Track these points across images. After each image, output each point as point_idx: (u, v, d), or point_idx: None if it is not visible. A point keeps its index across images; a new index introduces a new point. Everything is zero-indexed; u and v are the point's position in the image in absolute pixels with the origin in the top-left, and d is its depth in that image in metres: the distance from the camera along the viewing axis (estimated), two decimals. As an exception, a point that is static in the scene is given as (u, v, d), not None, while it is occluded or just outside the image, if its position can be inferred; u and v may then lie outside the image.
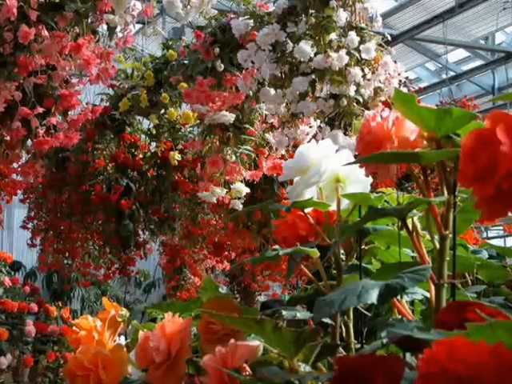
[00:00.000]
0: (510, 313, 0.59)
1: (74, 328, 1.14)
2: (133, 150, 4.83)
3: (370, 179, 0.87)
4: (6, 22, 2.60)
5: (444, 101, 6.23)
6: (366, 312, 0.86)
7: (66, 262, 5.52)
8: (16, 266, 8.31)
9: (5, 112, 2.76)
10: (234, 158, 3.57)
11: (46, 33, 2.65)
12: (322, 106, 2.82)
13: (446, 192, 0.73)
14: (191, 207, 5.00)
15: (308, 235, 0.90)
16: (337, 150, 0.90)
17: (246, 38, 3.07)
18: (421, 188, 0.76)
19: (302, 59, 2.77)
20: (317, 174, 0.86)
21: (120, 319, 1.14)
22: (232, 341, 0.80)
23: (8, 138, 2.98)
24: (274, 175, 3.85)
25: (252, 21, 3.09)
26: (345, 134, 2.85)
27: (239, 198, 3.58)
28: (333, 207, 0.88)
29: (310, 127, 3.07)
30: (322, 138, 2.72)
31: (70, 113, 3.03)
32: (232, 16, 3.41)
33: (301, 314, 0.85)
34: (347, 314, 0.84)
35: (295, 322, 0.83)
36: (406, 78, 3.26)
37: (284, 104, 2.97)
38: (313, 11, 2.84)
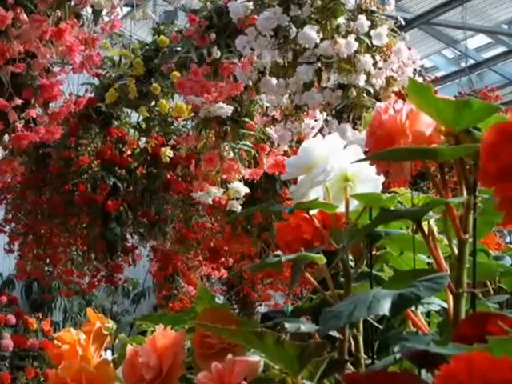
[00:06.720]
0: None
1: (56, 342, 1.14)
2: (120, 146, 4.83)
3: (382, 178, 0.87)
4: (-19, 5, 2.60)
5: (463, 91, 6.23)
6: (377, 324, 0.86)
7: (46, 269, 5.52)
8: (-9, 274, 8.31)
9: (-21, 104, 2.76)
10: (231, 154, 3.57)
11: (24, 17, 2.65)
12: (329, 98, 2.83)
13: (465, 192, 0.73)
14: (184, 209, 5.01)
15: (313, 239, 0.90)
16: (345, 146, 0.90)
17: (245, 23, 3.07)
18: (437, 188, 0.76)
19: (306, 46, 2.77)
20: (323, 173, 0.86)
21: (106, 332, 1.14)
22: (229, 356, 0.80)
23: (-17, 132, 2.98)
24: (276, 174, 3.85)
25: (251, 3, 3.09)
26: (354, 128, 2.86)
27: (237, 199, 3.58)
28: (341, 209, 0.88)
29: (316, 120, 3.07)
30: (329, 133, 2.72)
31: (51, 105, 3.03)
32: (230, -2, 3.41)
33: (305, 326, 0.85)
34: (356, 327, 0.84)
35: (299, 336, 0.83)
36: (422, 66, 3.26)
37: (287, 95, 2.97)
38: (318, -7, 2.85)
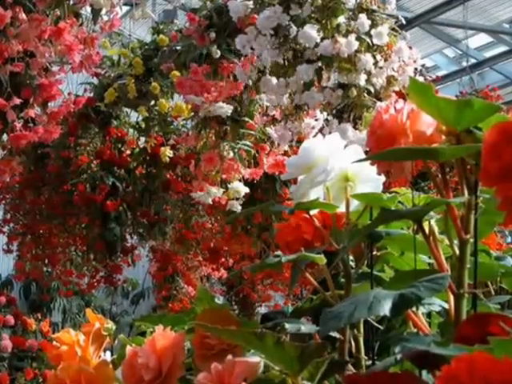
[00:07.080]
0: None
1: (55, 343, 1.14)
2: (119, 146, 4.83)
3: (383, 178, 0.87)
4: (-21, 4, 2.61)
5: (464, 91, 6.23)
6: (377, 325, 0.86)
7: (45, 269, 5.52)
8: (-10, 275, 8.31)
9: (-22, 104, 2.76)
10: (231, 154, 3.57)
11: (23, 16, 2.65)
12: (329, 97, 2.82)
13: (466, 192, 0.73)
14: (184, 209, 5.01)
15: (314, 240, 0.90)
16: (345, 146, 0.90)
17: (245, 22, 3.07)
18: (438, 187, 0.76)
19: (306, 45, 2.77)
20: (323, 173, 0.86)
21: (105, 333, 1.14)
22: (229, 357, 0.80)
23: (-19, 132, 2.98)
24: (276, 173, 3.85)
25: (251, 2, 3.09)
26: (354, 127, 2.85)
27: (237, 199, 3.58)
28: (341, 209, 0.88)
29: (316, 120, 3.07)
30: (330, 133, 2.72)
31: (50, 104, 3.03)
32: (229, -3, 3.41)
33: (306, 327, 0.85)
34: (357, 327, 0.84)
35: (299, 337, 0.83)
36: (423, 65, 3.26)
37: (287, 95, 2.97)
38: (319, -8, 2.84)
